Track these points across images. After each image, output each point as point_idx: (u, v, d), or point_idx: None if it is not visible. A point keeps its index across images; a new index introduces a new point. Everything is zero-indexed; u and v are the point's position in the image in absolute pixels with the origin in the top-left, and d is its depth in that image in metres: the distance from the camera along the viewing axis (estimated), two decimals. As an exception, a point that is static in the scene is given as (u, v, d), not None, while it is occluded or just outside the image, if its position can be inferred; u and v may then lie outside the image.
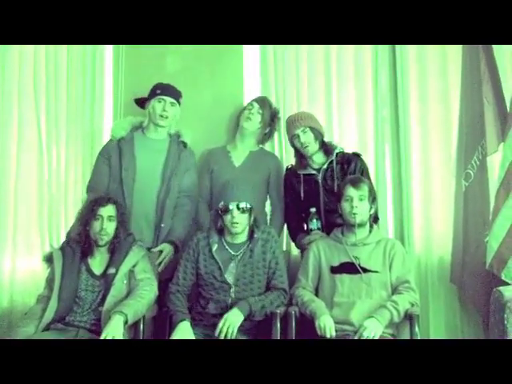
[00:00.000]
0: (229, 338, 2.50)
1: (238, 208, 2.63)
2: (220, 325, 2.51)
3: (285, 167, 3.23)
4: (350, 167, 2.95)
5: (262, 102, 3.25)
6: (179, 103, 3.08)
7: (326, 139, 3.06)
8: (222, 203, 2.66)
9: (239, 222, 2.64)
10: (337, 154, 3.00)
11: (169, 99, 3.03)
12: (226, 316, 2.54)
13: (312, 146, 2.98)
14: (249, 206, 2.66)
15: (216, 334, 2.51)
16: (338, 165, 2.97)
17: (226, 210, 2.64)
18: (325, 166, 2.99)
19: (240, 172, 3.14)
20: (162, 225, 2.97)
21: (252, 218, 2.70)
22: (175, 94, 3.07)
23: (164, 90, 3.05)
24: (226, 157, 3.23)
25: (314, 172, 3.00)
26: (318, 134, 3.00)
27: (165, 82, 3.12)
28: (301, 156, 3.04)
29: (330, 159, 2.99)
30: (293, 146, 3.07)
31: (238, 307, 2.57)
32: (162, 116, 3.02)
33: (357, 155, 3.02)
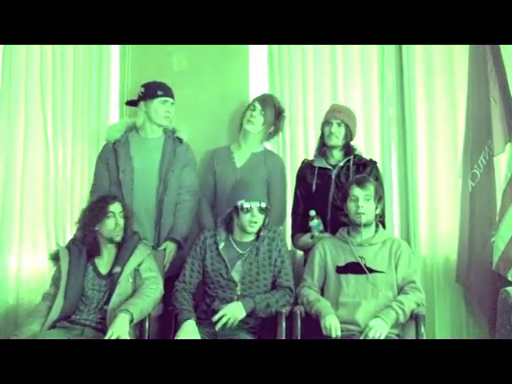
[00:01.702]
0: (226, 326, 2.53)
1: (258, 207, 2.65)
2: (221, 313, 2.54)
3: (287, 166, 3.28)
4: (365, 171, 2.94)
5: (265, 101, 3.20)
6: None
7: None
8: (243, 201, 2.66)
9: (257, 221, 2.67)
10: (355, 155, 3.01)
11: (170, 100, 3.06)
12: (229, 305, 2.57)
13: (336, 140, 2.99)
14: (266, 205, 2.69)
15: (214, 319, 2.54)
16: (355, 165, 2.98)
17: (245, 209, 2.65)
18: (341, 163, 3.00)
19: (241, 173, 3.14)
20: (162, 221, 2.97)
21: (267, 219, 2.73)
22: (172, 94, 3.10)
23: (165, 90, 3.06)
24: (228, 157, 3.22)
25: (329, 167, 3.01)
26: (349, 134, 3.00)
27: (171, 80, 3.14)
28: (323, 144, 3.05)
29: (348, 158, 3.00)
30: (322, 129, 3.06)
31: (242, 301, 2.60)
32: (165, 117, 3.05)
33: (373, 162, 3.03)
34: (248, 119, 3.17)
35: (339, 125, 2.98)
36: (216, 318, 2.54)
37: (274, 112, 3.20)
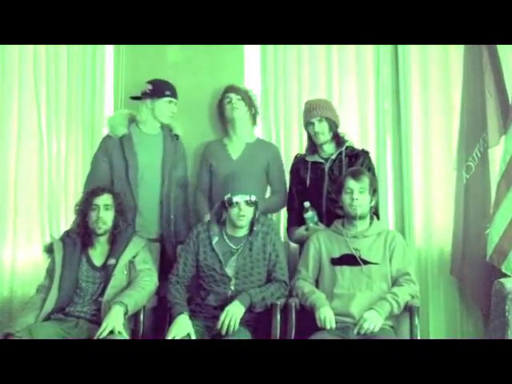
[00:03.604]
0: (231, 330, 2.49)
1: (246, 201, 2.63)
2: (222, 317, 2.51)
3: (283, 155, 3.28)
4: (357, 162, 2.94)
5: (233, 89, 3.23)
6: None
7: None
8: (229, 196, 2.64)
9: (246, 215, 2.65)
10: (347, 147, 3.01)
11: (175, 100, 3.13)
12: (227, 308, 2.53)
13: (324, 136, 2.98)
14: (255, 199, 2.66)
15: (218, 326, 2.51)
16: (347, 157, 2.97)
17: (233, 203, 2.63)
18: (333, 156, 2.99)
19: (238, 165, 3.13)
20: (172, 216, 3.03)
21: (257, 212, 2.71)
22: (177, 95, 3.15)
23: (173, 91, 3.12)
24: (223, 150, 3.22)
25: (321, 161, 3.01)
26: (333, 125, 2.99)
27: (165, 76, 3.15)
28: (312, 141, 3.05)
29: (340, 150, 3.00)
30: (306, 130, 3.06)
31: (239, 299, 2.57)
32: (170, 116, 3.12)
33: (366, 152, 3.03)
34: (231, 109, 3.18)
35: (320, 121, 2.97)
36: (219, 326, 2.51)
37: (245, 94, 3.23)
